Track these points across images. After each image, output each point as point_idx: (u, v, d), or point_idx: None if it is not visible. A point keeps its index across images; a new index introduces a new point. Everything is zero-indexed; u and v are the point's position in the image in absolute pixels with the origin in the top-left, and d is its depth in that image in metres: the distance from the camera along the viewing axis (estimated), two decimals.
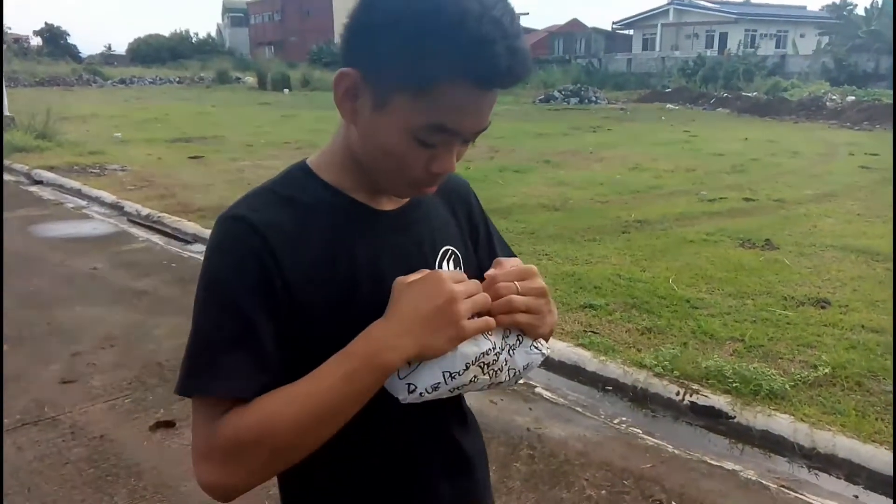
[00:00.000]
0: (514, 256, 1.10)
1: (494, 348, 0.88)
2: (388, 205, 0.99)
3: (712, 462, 2.99)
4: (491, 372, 0.88)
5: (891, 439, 2.93)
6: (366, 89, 0.85)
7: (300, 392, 0.82)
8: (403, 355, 0.82)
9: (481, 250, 1.13)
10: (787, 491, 2.79)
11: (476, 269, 1.07)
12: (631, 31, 47.85)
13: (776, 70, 31.08)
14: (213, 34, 74.41)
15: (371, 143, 0.88)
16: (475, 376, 0.87)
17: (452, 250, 1.04)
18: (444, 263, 1.02)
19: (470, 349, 0.85)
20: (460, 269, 1.03)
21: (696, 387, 3.44)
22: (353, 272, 0.92)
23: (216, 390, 0.83)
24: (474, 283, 0.87)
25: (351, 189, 0.95)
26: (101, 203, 8.18)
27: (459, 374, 0.85)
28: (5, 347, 4.04)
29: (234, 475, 0.83)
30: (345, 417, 0.84)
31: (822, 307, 4.59)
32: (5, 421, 3.21)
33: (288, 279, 0.87)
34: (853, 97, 21.33)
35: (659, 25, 43.81)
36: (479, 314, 0.86)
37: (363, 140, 0.89)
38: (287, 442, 0.82)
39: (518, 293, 0.89)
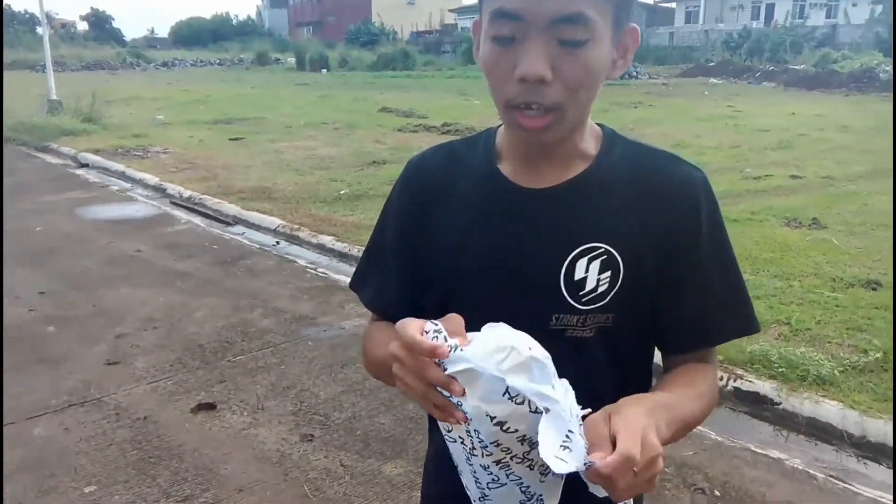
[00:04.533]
0: (740, 307, 0.97)
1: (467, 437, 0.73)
2: (540, 182, 0.93)
3: (757, 450, 2.92)
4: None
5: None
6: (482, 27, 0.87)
7: (381, 340, 0.94)
8: None
9: (673, 270, 0.92)
10: (835, 481, 2.70)
11: (652, 287, 0.92)
12: (673, 4, 46.60)
13: (826, 41, 30.01)
14: (253, 16, 75.01)
15: (485, 74, 0.87)
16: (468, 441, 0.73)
17: (605, 249, 0.89)
18: (584, 261, 0.90)
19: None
20: (610, 272, 0.89)
21: (740, 372, 3.36)
22: (468, 242, 0.94)
23: (360, 295, 1.09)
24: (403, 344, 0.72)
25: (508, 158, 0.96)
26: (145, 185, 8.33)
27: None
28: (52, 328, 4.16)
29: (364, 364, 1.08)
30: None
31: (873, 289, 4.43)
32: (54, 401, 3.31)
33: (419, 226, 0.99)
34: None
35: None
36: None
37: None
38: (370, 366, 1.04)
39: (631, 484, 0.67)
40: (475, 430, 0.70)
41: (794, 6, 37.82)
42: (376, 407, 3.27)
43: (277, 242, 6.09)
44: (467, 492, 0.80)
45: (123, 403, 3.30)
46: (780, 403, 3.15)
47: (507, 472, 0.73)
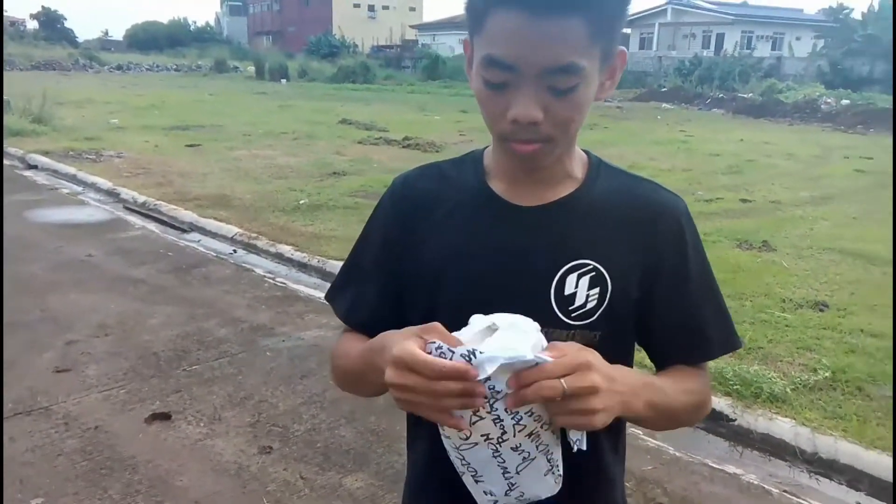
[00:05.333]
0: (725, 323, 1.01)
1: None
2: (530, 200, 0.95)
3: (714, 465, 2.97)
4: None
5: (892, 445, 2.92)
6: (471, 49, 0.90)
7: (352, 351, 1.00)
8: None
9: (661, 289, 0.96)
10: (789, 496, 2.77)
11: (634, 305, 0.95)
12: (628, 30, 47.79)
13: (772, 72, 31.08)
14: (212, 22, 74.08)
15: (478, 103, 0.89)
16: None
17: (594, 266, 0.92)
18: (573, 276, 0.92)
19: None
20: (598, 289, 0.92)
21: None
22: (458, 255, 0.95)
23: (333, 305, 1.09)
24: (428, 374, 0.72)
25: (498, 177, 0.98)
26: (97, 189, 8.10)
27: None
28: None
29: (333, 376, 1.08)
30: (368, 388, 0.97)
31: (821, 310, 4.58)
32: None
33: (405, 241, 0.99)
34: (847, 101, 21.35)
35: (656, 25, 43.72)
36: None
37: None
38: (340, 378, 1.05)
39: (563, 393, 0.73)
40: (509, 409, 0.74)
41: (742, 37, 39.16)
42: (337, 419, 3.23)
43: (235, 251, 5.98)
44: (485, 498, 0.81)
45: (73, 412, 3.18)
46: (736, 420, 3.22)
47: (538, 444, 0.77)
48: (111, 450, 2.90)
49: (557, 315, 0.92)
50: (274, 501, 2.63)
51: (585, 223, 0.95)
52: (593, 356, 0.78)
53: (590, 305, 0.92)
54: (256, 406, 3.33)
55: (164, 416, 3.17)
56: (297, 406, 3.35)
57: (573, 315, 0.92)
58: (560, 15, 0.78)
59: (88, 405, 3.26)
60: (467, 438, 0.76)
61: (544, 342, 0.76)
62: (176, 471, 2.78)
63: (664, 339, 1.01)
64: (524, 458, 0.77)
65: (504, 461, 0.77)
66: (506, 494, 0.80)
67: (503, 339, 0.73)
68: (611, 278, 0.93)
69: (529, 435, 0.76)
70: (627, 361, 1.02)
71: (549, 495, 0.82)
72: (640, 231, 0.95)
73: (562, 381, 0.72)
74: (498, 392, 0.72)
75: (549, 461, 0.79)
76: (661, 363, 1.03)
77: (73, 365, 3.65)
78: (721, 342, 1.01)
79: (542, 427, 0.76)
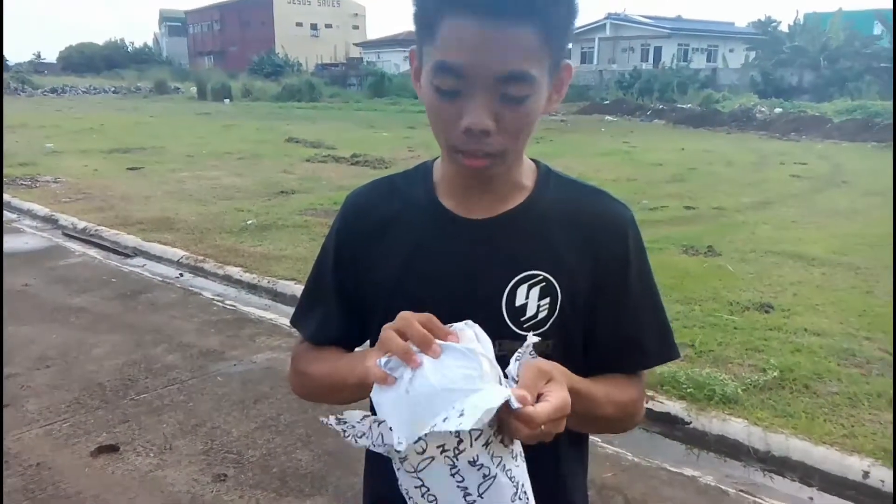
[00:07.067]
0: (663, 334, 1.02)
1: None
2: (480, 213, 0.95)
3: (671, 469, 3.01)
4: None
5: (840, 440, 3.01)
6: (419, 60, 0.89)
7: (325, 364, 0.99)
8: None
9: (602, 298, 0.97)
10: (745, 495, 2.82)
11: (586, 314, 0.96)
12: (570, 45, 48.69)
13: (708, 83, 32.14)
14: (150, 43, 72.70)
15: (427, 113, 0.88)
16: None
17: (544, 277, 0.93)
18: (524, 287, 0.93)
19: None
20: (549, 299, 0.93)
21: (651, 393, 3.47)
22: (410, 271, 0.95)
23: (299, 329, 1.09)
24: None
25: (446, 191, 0.98)
26: (33, 216, 7.83)
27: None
28: None
29: (292, 382, 1.09)
30: (344, 397, 0.95)
31: (766, 312, 4.71)
32: None
33: (357, 261, 1.00)
34: (780, 109, 22.24)
35: (596, 39, 44.76)
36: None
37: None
38: (309, 386, 1.04)
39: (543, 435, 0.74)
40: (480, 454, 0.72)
41: (678, 50, 40.44)
42: (293, 443, 3.16)
43: (181, 274, 5.83)
44: None
45: (13, 450, 3.02)
46: (691, 423, 3.27)
47: (492, 454, 0.74)
48: (55, 487, 2.77)
49: (509, 326, 0.93)
50: None
51: (535, 234, 0.95)
52: (566, 391, 0.76)
53: (541, 315, 0.93)
54: (209, 433, 3.23)
55: (112, 449, 3.05)
56: (251, 431, 3.26)
57: (525, 325, 0.93)
58: (513, 22, 0.78)
59: (29, 441, 3.11)
60: (423, 451, 0.72)
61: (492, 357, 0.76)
62: None
63: (602, 348, 1.00)
64: (484, 475, 0.73)
65: (463, 479, 0.73)
66: None
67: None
68: (560, 288, 0.94)
69: (486, 444, 0.73)
70: (581, 367, 1.02)
71: None
72: (589, 242, 0.96)
73: (542, 426, 0.72)
74: None
75: (511, 480, 0.75)
76: (598, 370, 1.01)
77: (12, 400, 3.49)
78: (656, 353, 1.02)
79: (494, 436, 0.74)
